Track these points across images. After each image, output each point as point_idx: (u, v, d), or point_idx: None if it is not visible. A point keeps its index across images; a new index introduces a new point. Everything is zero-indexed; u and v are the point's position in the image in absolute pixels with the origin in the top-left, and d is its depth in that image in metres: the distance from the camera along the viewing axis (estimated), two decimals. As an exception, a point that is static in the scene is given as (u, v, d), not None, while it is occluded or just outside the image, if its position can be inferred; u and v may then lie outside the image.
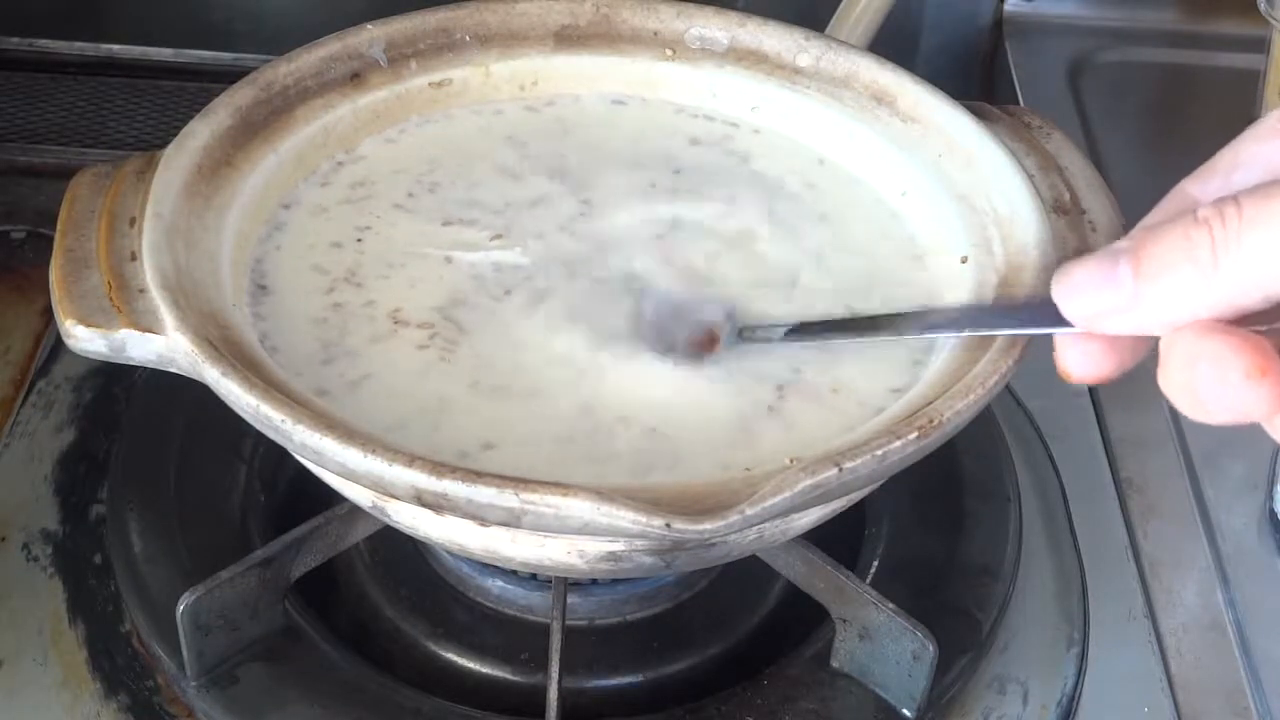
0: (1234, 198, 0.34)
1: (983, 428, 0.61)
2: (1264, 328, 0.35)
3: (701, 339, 0.48)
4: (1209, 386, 0.34)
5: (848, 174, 0.56)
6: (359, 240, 0.52)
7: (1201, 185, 0.38)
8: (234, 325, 0.46)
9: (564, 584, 0.52)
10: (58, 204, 0.49)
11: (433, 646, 0.56)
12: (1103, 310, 0.36)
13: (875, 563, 0.57)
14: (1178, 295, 0.35)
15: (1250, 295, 0.34)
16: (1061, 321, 0.38)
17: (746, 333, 0.48)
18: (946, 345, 0.47)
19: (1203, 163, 0.39)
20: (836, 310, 0.50)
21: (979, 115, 0.54)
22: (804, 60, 0.57)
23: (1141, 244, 0.35)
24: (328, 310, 0.49)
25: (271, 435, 0.42)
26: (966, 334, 0.46)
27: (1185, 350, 0.35)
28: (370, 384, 0.47)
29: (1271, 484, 0.62)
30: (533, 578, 0.56)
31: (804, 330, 0.48)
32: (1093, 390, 0.68)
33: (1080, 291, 0.37)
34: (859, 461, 0.40)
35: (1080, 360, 0.39)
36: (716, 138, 0.58)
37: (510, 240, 0.52)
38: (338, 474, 0.42)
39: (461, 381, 0.47)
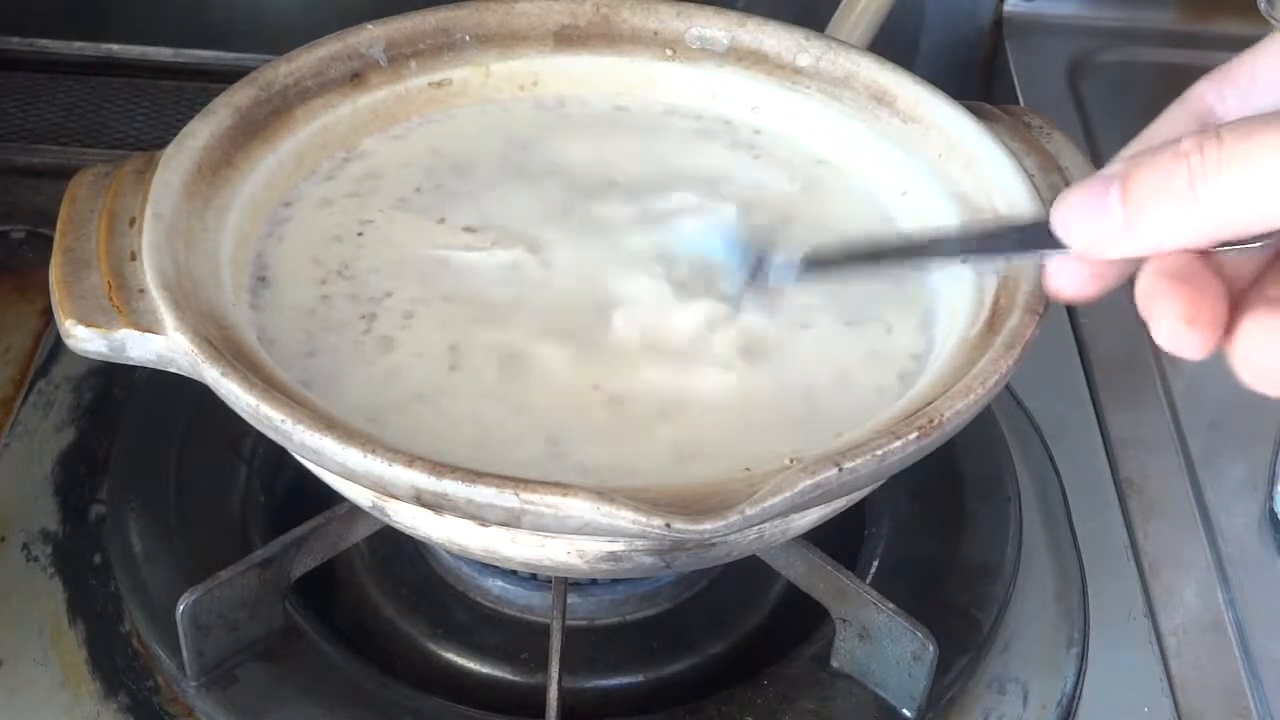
0: (1216, 131, 0.35)
1: (983, 428, 0.61)
2: (1259, 245, 0.36)
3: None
4: (1152, 320, 0.36)
5: (848, 174, 0.56)
6: (359, 234, 0.52)
7: (1219, 93, 0.39)
8: (233, 324, 0.46)
9: (564, 584, 0.52)
10: (58, 204, 0.49)
11: (432, 646, 0.56)
12: (1096, 238, 0.37)
13: (875, 563, 0.57)
14: (1161, 225, 0.36)
15: (1230, 228, 0.35)
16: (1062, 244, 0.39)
17: (759, 275, 0.49)
18: (946, 347, 0.47)
19: None
20: (833, 314, 0.50)
21: (979, 115, 0.54)
22: (804, 60, 0.57)
23: (1129, 172, 0.36)
24: (316, 302, 0.49)
25: (271, 435, 0.42)
26: (973, 263, 0.47)
27: (1145, 285, 0.36)
28: (346, 379, 0.47)
29: (1271, 484, 0.62)
30: (533, 578, 0.56)
31: (817, 265, 0.48)
32: (1093, 390, 0.68)
33: (1075, 219, 0.38)
34: (859, 461, 0.40)
35: (1071, 281, 0.40)
36: (716, 138, 0.58)
37: (510, 240, 0.52)
38: (338, 474, 0.42)
39: (435, 383, 0.47)
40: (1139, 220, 0.36)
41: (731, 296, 0.50)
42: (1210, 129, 0.35)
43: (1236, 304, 0.36)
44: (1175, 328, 0.36)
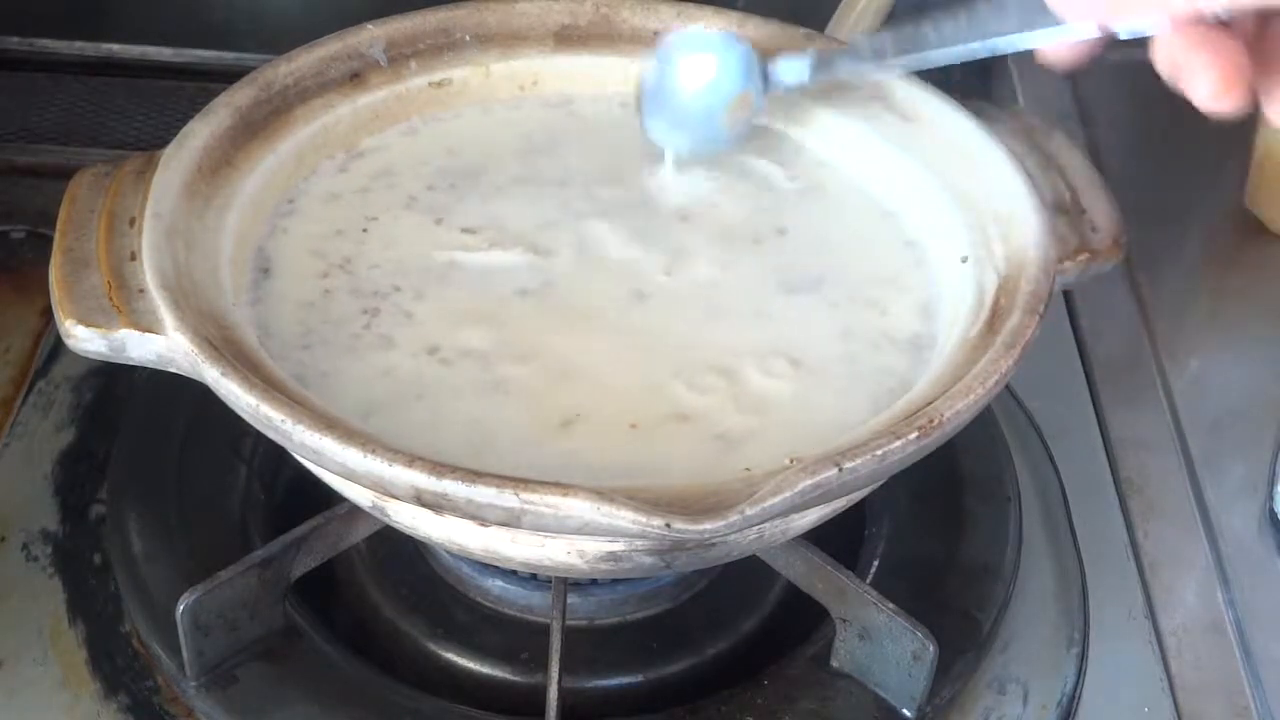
0: None
1: (983, 428, 0.61)
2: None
3: (734, 103, 0.52)
4: (1189, 90, 0.38)
5: (848, 174, 0.56)
6: (364, 230, 0.52)
7: None
8: (234, 325, 0.46)
9: (564, 584, 0.52)
10: (58, 204, 0.49)
11: (433, 646, 0.56)
12: (1093, 4, 0.40)
13: (875, 563, 0.57)
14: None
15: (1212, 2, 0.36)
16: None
17: (772, 80, 0.51)
18: (947, 345, 0.47)
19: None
20: (834, 314, 0.50)
21: (979, 115, 0.54)
22: (804, 60, 0.57)
23: None
24: (318, 295, 0.50)
25: (271, 435, 0.42)
26: (972, 50, 0.47)
27: (1168, 57, 0.38)
28: (341, 375, 0.47)
29: (1271, 484, 0.62)
30: (533, 578, 0.56)
31: (826, 62, 0.51)
32: (1093, 390, 0.68)
33: None
34: (859, 461, 0.40)
35: (1060, 50, 0.42)
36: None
37: (510, 240, 0.52)
38: (338, 474, 0.42)
39: (430, 381, 0.47)
40: None
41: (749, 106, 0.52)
42: None
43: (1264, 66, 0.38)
44: (1216, 89, 0.37)
